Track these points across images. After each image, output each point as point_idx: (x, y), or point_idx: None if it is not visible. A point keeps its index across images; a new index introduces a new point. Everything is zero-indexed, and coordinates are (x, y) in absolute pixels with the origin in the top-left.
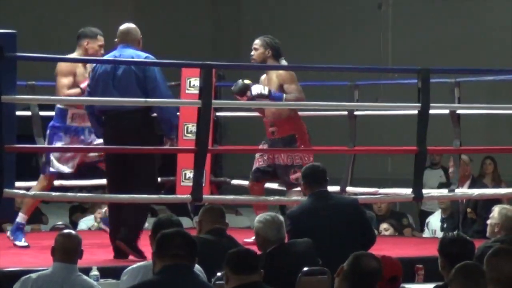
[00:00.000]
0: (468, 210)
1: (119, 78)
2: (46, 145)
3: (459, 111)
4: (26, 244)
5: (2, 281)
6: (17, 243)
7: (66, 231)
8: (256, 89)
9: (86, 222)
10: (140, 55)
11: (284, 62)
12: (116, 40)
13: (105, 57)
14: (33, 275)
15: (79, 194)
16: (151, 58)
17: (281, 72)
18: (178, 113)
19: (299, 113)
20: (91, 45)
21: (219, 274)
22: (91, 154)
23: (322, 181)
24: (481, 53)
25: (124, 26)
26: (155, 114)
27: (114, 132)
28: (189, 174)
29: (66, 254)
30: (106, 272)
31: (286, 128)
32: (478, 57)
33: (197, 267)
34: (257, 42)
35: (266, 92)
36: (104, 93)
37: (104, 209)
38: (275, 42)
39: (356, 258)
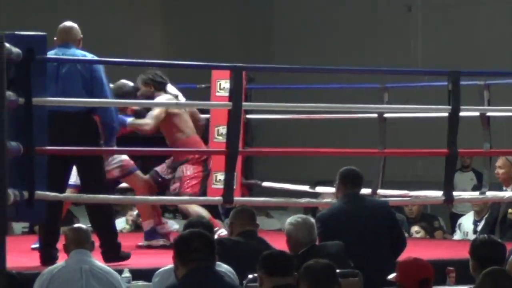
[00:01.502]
0: (510, 210)
1: (62, 78)
2: (78, 148)
3: (489, 114)
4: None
5: (33, 282)
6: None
7: (75, 225)
8: None
9: (118, 224)
10: (86, 55)
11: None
12: (55, 38)
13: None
14: (51, 268)
15: (111, 196)
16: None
17: None
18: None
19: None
20: None
21: (250, 276)
22: (113, 171)
23: (354, 184)
24: (511, 56)
25: (65, 25)
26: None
27: (62, 134)
28: (220, 176)
29: (79, 243)
30: (138, 274)
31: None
32: (507, 59)
33: (228, 269)
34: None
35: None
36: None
37: (136, 211)
38: (152, 76)
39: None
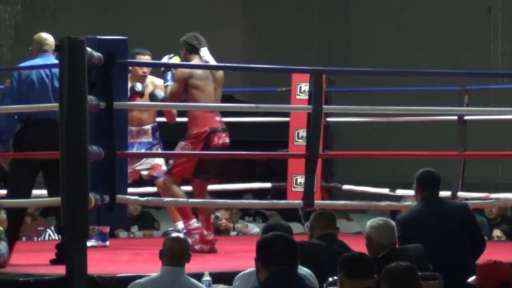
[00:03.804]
0: None
1: (54, 87)
2: (159, 151)
3: None
4: None
5: (116, 286)
6: None
7: (174, 234)
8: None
9: None
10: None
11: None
12: (30, 48)
13: (27, 65)
14: (142, 280)
15: (191, 200)
16: None
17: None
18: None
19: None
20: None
21: (330, 279)
22: (143, 172)
23: (431, 186)
24: None
25: (41, 35)
26: None
27: (46, 139)
28: (300, 179)
29: (174, 258)
30: (218, 278)
31: (187, 127)
32: None
33: (308, 272)
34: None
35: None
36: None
37: (219, 212)
38: (187, 38)
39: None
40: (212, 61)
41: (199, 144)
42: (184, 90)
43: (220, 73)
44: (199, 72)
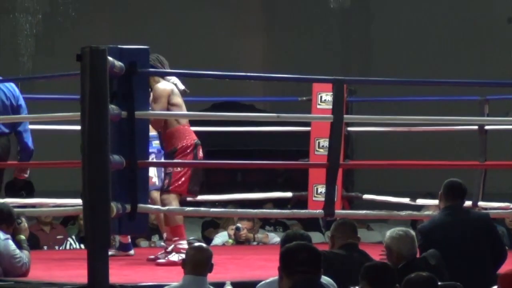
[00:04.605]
0: None
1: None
2: (179, 161)
3: None
4: None
5: None
6: None
7: (197, 244)
8: None
9: (222, 238)
10: (11, 84)
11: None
12: None
13: None
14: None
15: (212, 209)
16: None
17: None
18: None
19: None
20: None
21: None
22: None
23: (456, 196)
24: None
25: None
26: None
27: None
28: (321, 189)
29: (197, 267)
30: (240, 287)
31: (169, 143)
32: None
33: (330, 282)
34: None
35: None
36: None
37: (240, 223)
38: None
39: None
40: (178, 82)
41: (190, 156)
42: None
43: (180, 89)
44: (176, 89)
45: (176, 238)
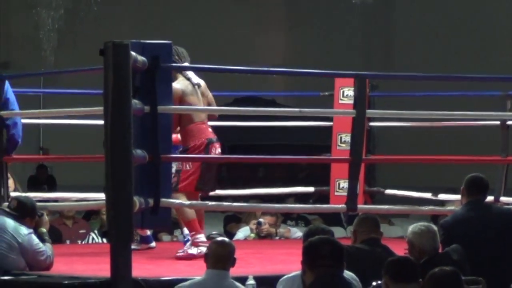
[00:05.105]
0: None
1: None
2: (200, 155)
3: None
4: None
5: None
6: None
7: (219, 238)
8: None
9: (244, 232)
10: None
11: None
12: None
13: None
14: (186, 283)
15: (234, 204)
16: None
17: None
18: None
19: None
20: None
21: (374, 283)
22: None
23: (478, 191)
24: None
25: None
26: None
27: None
28: (343, 184)
29: (219, 261)
30: (262, 281)
31: (182, 142)
32: None
33: (353, 276)
34: None
35: None
36: None
37: (262, 218)
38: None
39: None
40: (193, 76)
41: (200, 154)
42: None
43: (202, 86)
44: (189, 88)
45: (193, 233)
